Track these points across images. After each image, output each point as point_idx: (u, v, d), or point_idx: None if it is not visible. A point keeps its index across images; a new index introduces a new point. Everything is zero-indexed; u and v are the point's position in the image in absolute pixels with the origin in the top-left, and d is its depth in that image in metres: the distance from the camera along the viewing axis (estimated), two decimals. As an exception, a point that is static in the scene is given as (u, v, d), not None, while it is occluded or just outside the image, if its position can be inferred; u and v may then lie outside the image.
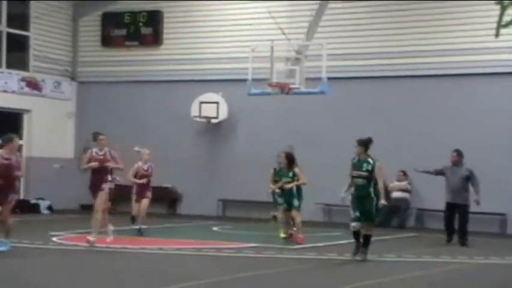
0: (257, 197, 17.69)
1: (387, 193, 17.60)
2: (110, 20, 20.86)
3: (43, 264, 10.45)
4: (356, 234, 11.00)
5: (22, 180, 20.29)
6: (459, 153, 13.71)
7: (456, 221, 13.62)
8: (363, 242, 10.98)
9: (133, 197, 14.02)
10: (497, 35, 16.01)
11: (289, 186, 13.13)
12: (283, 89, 15.41)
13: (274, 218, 14.13)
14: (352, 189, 10.99)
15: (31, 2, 20.20)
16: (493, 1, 16.05)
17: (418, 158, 17.15)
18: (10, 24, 19.80)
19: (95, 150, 12.27)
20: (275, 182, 13.47)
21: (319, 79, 15.36)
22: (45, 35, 20.55)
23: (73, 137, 21.17)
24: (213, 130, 19.64)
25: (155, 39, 20.38)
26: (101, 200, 11.97)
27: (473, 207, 13.71)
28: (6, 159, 11.10)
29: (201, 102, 19.31)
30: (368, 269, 10.34)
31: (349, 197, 11.03)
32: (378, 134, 17.59)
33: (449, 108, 17.33)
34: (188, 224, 17.45)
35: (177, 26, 20.18)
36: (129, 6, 20.53)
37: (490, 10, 16.66)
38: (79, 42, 21.28)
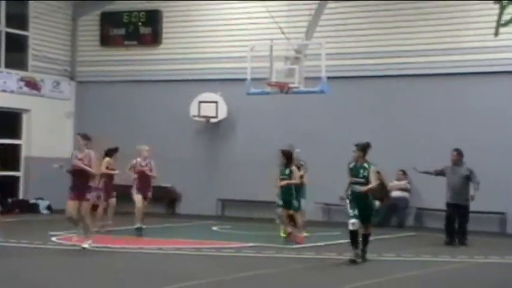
0: (256, 197, 17.68)
1: (386, 193, 17.66)
2: (109, 20, 20.84)
3: (42, 264, 10.44)
4: (353, 234, 10.75)
5: (21, 180, 20.39)
6: (459, 153, 13.67)
7: (456, 220, 13.57)
8: (362, 241, 10.86)
9: (134, 191, 13.71)
10: (496, 33, 15.97)
11: (282, 183, 13.06)
12: (283, 88, 15.39)
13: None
14: (350, 192, 10.95)
15: (30, 1, 20.17)
16: (492, 0, 16.04)
17: (417, 157, 17.13)
18: (9, 24, 19.77)
19: (75, 152, 12.10)
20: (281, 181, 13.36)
21: (318, 78, 15.33)
22: (44, 34, 20.53)
23: (72, 137, 21.11)
24: (212, 130, 19.63)
25: (154, 39, 20.36)
26: (86, 211, 11.81)
27: (472, 207, 13.69)
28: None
29: (200, 102, 19.29)
30: (367, 269, 10.33)
31: (347, 200, 10.96)
32: (377, 133, 17.70)
33: (449, 107, 17.32)
34: (187, 223, 17.43)
35: (176, 26, 20.16)
36: (128, 6, 20.51)
37: (488, 9, 16.64)
38: (78, 41, 21.26)
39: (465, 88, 17.21)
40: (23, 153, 20.24)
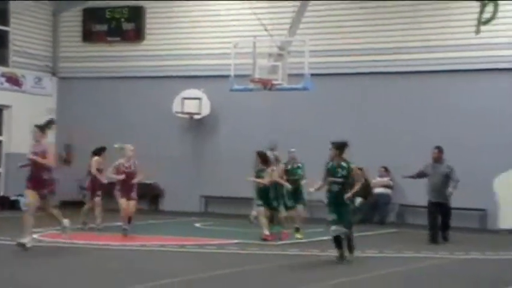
0: (240, 193, 17.68)
1: (370, 190, 17.74)
2: (91, 16, 20.72)
3: (24, 261, 10.37)
4: (337, 240, 10.53)
5: (2, 176, 20.22)
6: (440, 150, 13.69)
7: (439, 218, 13.53)
8: (347, 245, 10.59)
9: (118, 194, 13.20)
10: (477, 32, 16.13)
11: (257, 180, 12.90)
12: (266, 85, 15.41)
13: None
14: (327, 194, 10.60)
15: (11, -3, 20.02)
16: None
17: (400, 154, 17.27)
18: (-11, 19, 19.61)
19: (32, 143, 11.60)
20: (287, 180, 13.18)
21: (301, 75, 15.38)
22: (25, 30, 20.36)
23: (54, 134, 20.99)
24: (196, 126, 19.60)
25: (137, 35, 20.28)
26: (48, 205, 11.41)
27: (453, 203, 13.76)
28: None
29: (184, 98, 19.25)
30: (349, 265, 10.37)
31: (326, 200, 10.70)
32: (360, 130, 17.80)
33: (432, 105, 17.44)
34: (171, 220, 17.40)
35: (159, 22, 20.10)
36: (111, 2, 20.40)
37: (471, 7, 16.80)
38: (60, 37, 21.12)
39: (447, 86, 17.34)
40: (4, 149, 20.09)
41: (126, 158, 13.21)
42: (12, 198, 19.55)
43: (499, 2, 16.55)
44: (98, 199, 14.30)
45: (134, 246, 12.06)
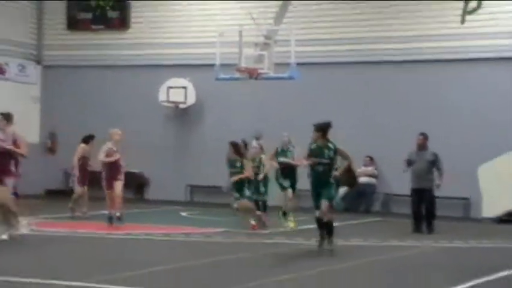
0: (225, 183, 17.67)
1: (355, 178, 17.78)
2: (76, 3, 20.54)
3: (7, 250, 10.33)
4: (319, 222, 10.53)
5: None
6: (425, 137, 13.62)
7: (423, 206, 13.47)
8: (326, 231, 10.52)
9: (104, 183, 13.00)
10: (462, 21, 16.18)
11: (235, 179, 12.83)
12: (252, 74, 15.39)
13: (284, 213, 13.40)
14: (310, 174, 10.49)
15: (-6, -17, 19.80)
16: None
17: (385, 143, 17.35)
18: (-28, 6, 19.40)
19: None
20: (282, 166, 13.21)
21: (288, 64, 15.38)
22: (9, 17, 20.15)
23: (38, 122, 20.89)
24: (181, 115, 19.56)
25: (122, 23, 20.15)
26: (4, 196, 10.86)
27: (437, 192, 13.80)
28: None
29: (169, 87, 19.19)
30: (335, 254, 10.44)
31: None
32: (346, 119, 17.83)
33: (416, 94, 17.50)
34: (156, 209, 17.40)
35: (144, 10, 19.98)
36: (96, -10, 20.24)
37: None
38: (44, 25, 20.94)
39: (433, 75, 17.40)
40: (-12, 138, 19.93)
41: (113, 142, 13.07)
42: None
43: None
44: (84, 188, 14.25)
45: (120, 235, 12.06)
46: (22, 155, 11.04)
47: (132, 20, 20.10)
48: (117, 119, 18.81)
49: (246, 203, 12.95)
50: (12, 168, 10.94)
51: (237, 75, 15.62)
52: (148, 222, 14.18)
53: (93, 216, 14.07)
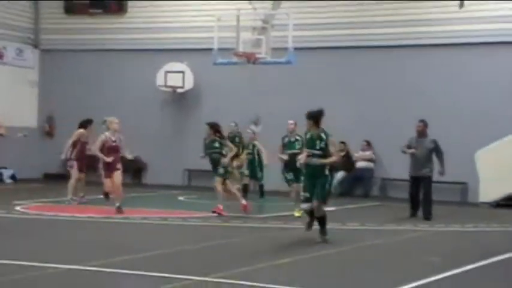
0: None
1: (352, 163, 17.86)
2: (73, -13, 20.48)
3: (7, 232, 10.37)
4: (307, 212, 10.12)
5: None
6: (425, 124, 13.39)
7: (420, 193, 13.24)
8: (319, 224, 10.02)
9: (102, 173, 12.75)
10: (461, 6, 16.14)
11: (226, 160, 12.77)
12: (250, 58, 15.37)
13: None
14: (305, 168, 9.95)
15: (-9, -33, 19.70)
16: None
17: (382, 128, 17.37)
18: (-31, -11, 19.30)
19: None
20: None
21: (285, 49, 15.35)
22: (6, 1, 20.06)
23: (36, 106, 20.88)
24: (179, 100, 19.55)
25: (119, 7, 20.08)
26: None
27: (434, 177, 13.69)
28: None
29: (167, 72, 19.17)
30: (332, 238, 10.47)
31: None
32: (344, 103, 17.85)
33: (414, 79, 17.49)
34: (154, 193, 17.44)
35: (142, -6, 19.91)
36: (93, -27, 20.15)
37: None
38: (42, 9, 20.87)
39: (430, 60, 17.40)
40: (-14, 122, 19.92)
41: (111, 132, 12.63)
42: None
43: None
44: (83, 174, 14.20)
45: (118, 219, 12.09)
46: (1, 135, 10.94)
47: (130, 4, 20.04)
48: (115, 104, 18.82)
49: (217, 183, 12.86)
50: None
51: (235, 59, 15.60)
52: (145, 206, 14.20)
53: (90, 201, 14.09)
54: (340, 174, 17.95)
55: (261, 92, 18.44)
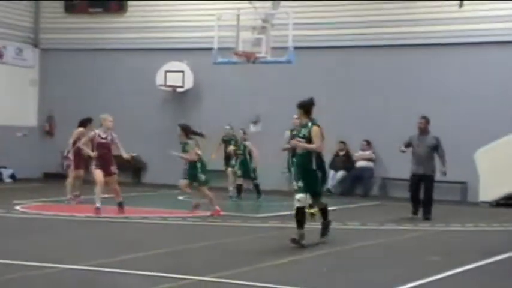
0: (222, 167, 17.69)
1: (352, 163, 17.85)
2: (73, -14, 20.47)
3: (6, 232, 10.36)
4: (299, 212, 9.37)
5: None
6: (427, 120, 13.07)
7: (421, 192, 13.05)
8: (322, 215, 9.75)
9: (94, 168, 12.25)
10: (461, 5, 16.14)
11: (184, 156, 12.66)
12: (250, 58, 15.37)
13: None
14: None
15: (-9, -34, 19.69)
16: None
17: (382, 128, 17.36)
18: (-31, -12, 19.29)
19: None
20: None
21: (285, 48, 15.35)
22: (6, 0, 20.05)
23: (36, 105, 20.88)
24: (179, 99, 19.54)
25: (119, 7, 20.07)
26: None
27: (437, 177, 13.50)
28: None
29: (166, 71, 19.15)
30: (332, 237, 10.46)
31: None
32: (343, 103, 17.86)
33: (414, 78, 17.49)
34: (153, 192, 17.42)
35: (141, -7, 19.90)
36: (93, -28, 20.14)
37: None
38: (41, 8, 20.86)
39: (431, 59, 17.39)
40: (-14, 122, 19.95)
41: (103, 129, 12.28)
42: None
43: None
44: (80, 171, 14.16)
45: (117, 218, 12.08)
46: None
47: (130, 3, 20.03)
48: (115, 103, 18.81)
49: (183, 185, 12.78)
50: None
51: (235, 59, 15.59)
52: (145, 205, 14.19)
53: (87, 200, 14.06)
54: (340, 174, 17.96)
55: (260, 92, 18.43)
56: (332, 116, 17.08)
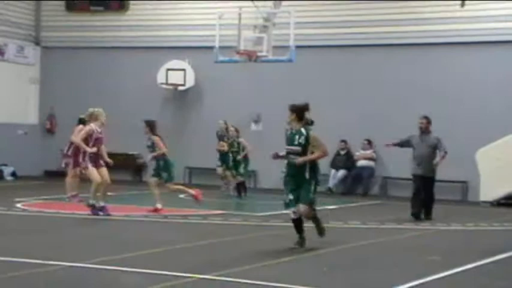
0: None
1: (353, 162, 17.87)
2: (75, -16, 20.48)
3: (7, 229, 10.38)
4: (297, 223, 9.22)
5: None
6: (428, 120, 12.87)
7: (422, 193, 12.79)
8: (315, 226, 9.34)
9: (88, 165, 11.92)
10: (462, 5, 16.14)
11: (150, 157, 12.62)
12: (251, 56, 15.38)
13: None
14: (285, 167, 9.19)
15: (-7, -36, 19.70)
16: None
17: (384, 127, 17.36)
18: (-29, -14, 19.29)
19: None
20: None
21: (286, 47, 15.35)
22: (7, -2, 20.09)
23: (37, 103, 20.89)
24: (180, 97, 19.54)
25: (120, 5, 20.07)
26: None
27: (437, 176, 13.35)
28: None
29: (168, 69, 19.16)
30: (331, 236, 10.45)
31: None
32: (345, 102, 17.87)
33: (415, 77, 17.48)
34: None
35: (143, -9, 19.90)
36: (95, -29, 20.14)
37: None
38: (43, 6, 20.87)
39: (431, 59, 17.39)
40: (-13, 119, 19.97)
41: (99, 123, 12.08)
42: (-5, 167, 19.49)
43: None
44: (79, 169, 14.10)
45: (118, 216, 12.09)
46: None
47: (131, 1, 20.02)
48: (116, 101, 18.83)
49: (152, 182, 12.73)
50: None
51: (236, 57, 15.61)
52: (146, 204, 14.19)
53: (86, 198, 14.05)
54: (341, 173, 17.97)
55: (262, 90, 18.44)
56: (333, 115, 17.10)
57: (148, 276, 7.49)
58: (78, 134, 13.15)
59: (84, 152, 11.93)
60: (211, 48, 15.94)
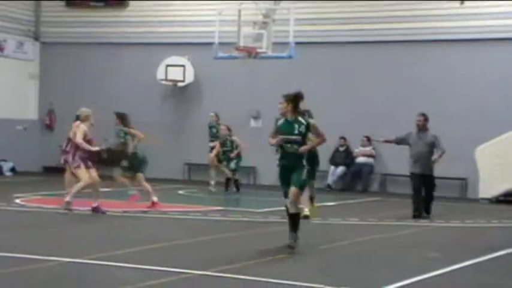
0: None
1: (352, 158, 17.88)
2: (74, -20, 20.44)
3: (6, 225, 10.38)
4: (293, 218, 9.03)
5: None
6: (425, 118, 12.83)
7: (423, 191, 12.74)
8: (291, 223, 8.94)
9: (79, 164, 11.84)
10: (462, 2, 16.14)
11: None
12: (250, 53, 15.38)
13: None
14: (279, 157, 8.97)
15: (-8, -41, 19.66)
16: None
17: (382, 124, 17.36)
18: (-30, -19, 19.26)
19: None
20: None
21: (286, 44, 15.35)
22: (7, -6, 20.06)
23: (37, 99, 20.87)
24: (180, 93, 19.54)
25: (120, 1, 20.04)
26: None
27: (434, 173, 13.34)
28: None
29: (167, 66, 19.15)
30: (329, 233, 10.50)
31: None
32: (344, 99, 17.87)
33: (414, 74, 17.48)
34: (154, 187, 17.36)
35: (143, -13, 19.88)
36: (94, -34, 20.12)
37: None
38: (42, 1, 20.84)
39: (431, 55, 17.39)
40: (-14, 115, 19.95)
41: (89, 124, 11.96)
42: (-6, 163, 19.49)
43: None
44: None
45: (117, 212, 12.09)
46: None
47: (131, -3, 20.01)
48: (115, 97, 18.82)
49: (120, 177, 12.78)
50: None
51: (236, 54, 15.60)
52: (145, 200, 14.19)
53: (86, 195, 14.06)
54: (340, 170, 17.98)
55: (261, 87, 18.43)
56: (333, 111, 17.10)
57: (147, 272, 7.50)
58: (76, 130, 13.09)
59: (76, 151, 11.81)
60: (210, 44, 15.93)
